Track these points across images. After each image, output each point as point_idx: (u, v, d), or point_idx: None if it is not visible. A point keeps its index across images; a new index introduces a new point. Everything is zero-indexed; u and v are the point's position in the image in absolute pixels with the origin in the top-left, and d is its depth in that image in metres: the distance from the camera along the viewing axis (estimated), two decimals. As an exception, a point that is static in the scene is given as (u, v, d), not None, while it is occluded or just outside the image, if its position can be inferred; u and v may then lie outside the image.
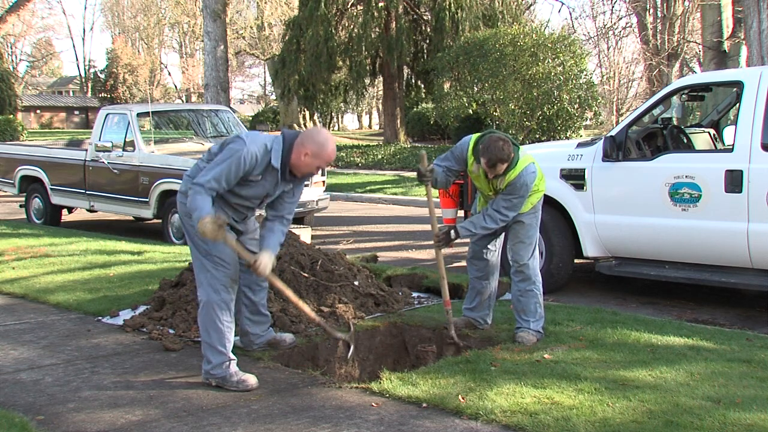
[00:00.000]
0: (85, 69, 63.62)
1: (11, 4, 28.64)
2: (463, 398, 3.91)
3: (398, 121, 27.01)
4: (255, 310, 4.76)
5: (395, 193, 15.79)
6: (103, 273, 7.20)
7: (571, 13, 63.89)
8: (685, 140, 7.33)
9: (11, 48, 55.83)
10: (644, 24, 23.32)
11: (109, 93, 53.13)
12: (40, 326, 5.56)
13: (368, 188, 16.83)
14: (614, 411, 3.73)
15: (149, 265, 7.57)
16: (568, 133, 17.20)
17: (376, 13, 24.21)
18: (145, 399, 4.07)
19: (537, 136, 17.08)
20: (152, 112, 10.73)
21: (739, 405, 3.77)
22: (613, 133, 6.70)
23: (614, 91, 27.71)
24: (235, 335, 4.47)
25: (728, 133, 7.55)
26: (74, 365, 4.65)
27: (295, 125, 37.28)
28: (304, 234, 7.88)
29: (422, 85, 28.19)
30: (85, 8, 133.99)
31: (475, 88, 18.60)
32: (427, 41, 26.30)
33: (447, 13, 23.77)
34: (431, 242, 5.18)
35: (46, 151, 11.86)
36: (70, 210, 12.12)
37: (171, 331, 5.21)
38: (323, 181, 10.83)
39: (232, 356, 4.30)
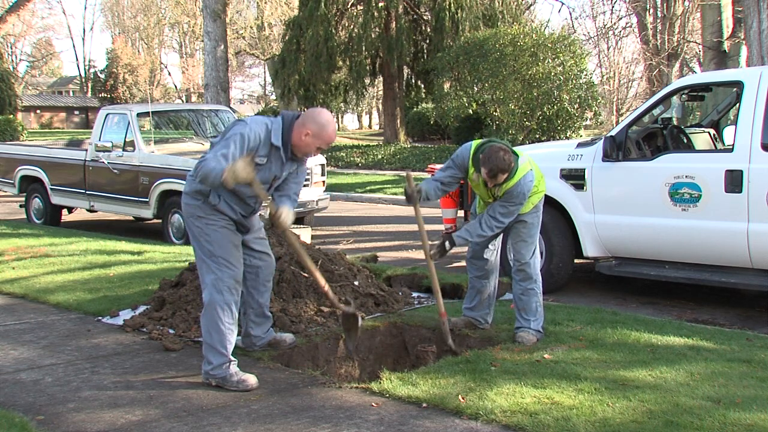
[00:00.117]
0: (85, 69, 63.69)
1: (11, 4, 28.64)
2: (463, 398, 3.91)
3: (398, 121, 27.02)
4: (260, 312, 4.75)
5: (395, 193, 15.79)
6: (103, 273, 7.20)
7: (571, 13, 63.96)
8: (685, 140, 7.33)
9: (11, 48, 55.84)
10: (644, 24, 23.33)
11: (109, 93, 53.13)
12: (40, 326, 5.56)
13: (368, 188, 16.83)
14: (614, 411, 3.73)
15: (149, 265, 7.57)
16: (568, 133, 17.21)
17: (376, 13, 24.21)
18: (145, 399, 4.06)
19: (537, 136, 17.08)
20: (152, 112, 10.73)
21: (739, 405, 3.77)
22: (613, 133, 6.70)
23: (614, 91, 27.72)
24: (237, 335, 4.47)
25: (728, 133, 7.55)
26: (74, 365, 4.65)
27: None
28: (304, 234, 7.88)
29: (422, 85, 28.20)
30: (85, 8, 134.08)
31: (475, 88, 18.60)
32: (427, 41, 26.31)
33: (447, 13, 23.77)
34: (431, 244, 5.16)
35: (46, 151, 11.86)
36: (70, 210, 12.12)
37: (171, 331, 5.21)
38: (323, 181, 10.83)
39: (233, 358, 4.30)
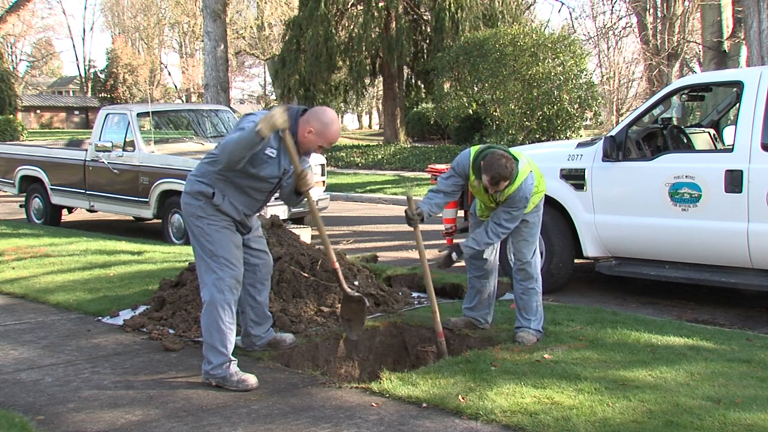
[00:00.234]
0: (85, 69, 63.69)
1: (11, 4, 28.64)
2: (463, 398, 3.91)
3: (398, 121, 27.02)
4: (260, 311, 4.74)
5: (395, 193, 15.79)
6: (103, 273, 7.20)
7: (571, 13, 63.96)
8: (685, 140, 7.33)
9: (11, 48, 55.85)
10: (644, 24, 23.33)
11: (109, 93, 53.13)
12: (40, 326, 5.56)
13: (368, 188, 16.83)
14: (614, 411, 3.73)
15: (149, 265, 7.57)
16: (568, 133, 17.21)
17: (376, 13, 24.21)
18: (145, 399, 4.06)
19: (537, 136, 17.08)
20: (152, 112, 10.73)
21: (739, 405, 3.77)
22: (613, 133, 6.70)
23: (614, 91, 27.72)
24: (237, 335, 4.47)
25: (728, 133, 7.55)
26: (74, 365, 4.65)
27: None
28: (304, 234, 7.88)
29: (422, 85, 28.20)
30: (85, 8, 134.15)
31: (475, 88, 18.60)
32: (427, 41, 26.31)
33: (447, 13, 23.77)
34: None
35: (46, 151, 11.87)
36: (70, 210, 12.12)
37: (171, 331, 5.21)
38: (323, 181, 10.84)
39: (233, 357, 4.30)
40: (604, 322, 5.37)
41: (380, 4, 24.33)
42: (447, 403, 3.87)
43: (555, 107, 17.12)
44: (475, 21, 23.99)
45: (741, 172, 5.91)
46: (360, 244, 10.04)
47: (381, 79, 28.59)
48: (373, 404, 3.93)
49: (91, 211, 11.38)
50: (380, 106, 40.84)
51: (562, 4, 69.31)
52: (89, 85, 61.00)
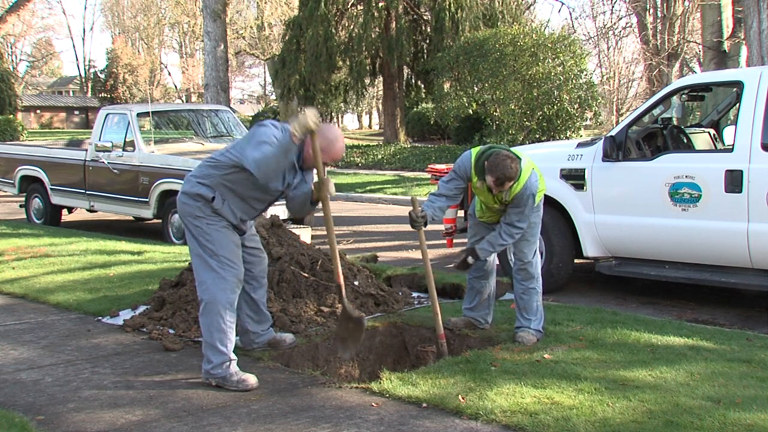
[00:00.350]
0: (85, 69, 63.70)
1: (11, 4, 28.64)
2: (463, 398, 3.91)
3: (398, 121, 27.02)
4: (256, 308, 4.76)
5: (395, 193, 15.79)
6: (103, 273, 7.20)
7: (571, 13, 63.97)
8: (685, 140, 7.33)
9: (11, 48, 55.86)
10: (644, 24, 23.33)
11: (109, 93, 53.14)
12: (40, 326, 5.56)
13: (368, 188, 16.83)
14: (614, 411, 3.73)
15: (149, 265, 7.57)
16: (568, 133, 17.19)
17: (376, 13, 24.22)
18: (145, 399, 4.07)
19: (537, 136, 17.07)
20: (152, 112, 10.73)
21: (739, 405, 3.77)
22: (613, 133, 6.70)
23: (614, 91, 27.72)
24: (236, 334, 4.47)
25: (728, 133, 7.55)
26: (74, 365, 4.65)
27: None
28: (304, 234, 7.88)
29: (422, 85, 28.20)
30: (85, 8, 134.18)
31: (475, 88, 18.59)
32: (427, 41, 26.31)
33: (447, 13, 23.78)
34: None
35: (46, 151, 11.87)
36: (70, 210, 12.12)
37: (171, 331, 5.21)
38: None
39: (233, 356, 4.30)
40: (604, 322, 5.37)
41: (380, 4, 24.33)
42: (447, 403, 3.87)
43: (555, 107, 17.11)
44: (475, 21, 23.99)
45: (741, 172, 5.91)
46: (360, 244, 10.04)
47: (381, 79, 28.59)
48: (373, 404, 3.93)
49: (91, 211, 11.37)
50: (380, 106, 40.85)
51: (562, 4, 69.37)
52: (89, 85, 61.02)
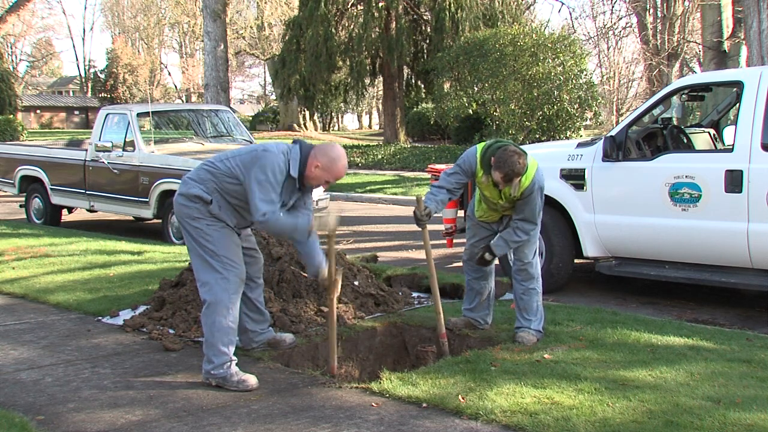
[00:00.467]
0: (85, 69, 63.71)
1: (11, 4, 28.65)
2: (463, 398, 3.91)
3: (398, 121, 27.03)
4: (252, 307, 4.76)
5: (395, 193, 15.79)
6: (103, 273, 7.20)
7: (571, 13, 64.03)
8: (685, 140, 7.33)
9: (11, 48, 55.88)
10: (644, 24, 23.34)
11: (109, 93, 53.13)
12: (40, 326, 5.56)
13: (368, 188, 16.82)
14: (614, 411, 3.73)
15: (149, 265, 7.57)
16: (568, 133, 17.20)
17: (376, 13, 24.23)
18: (145, 399, 4.07)
19: (537, 136, 17.08)
20: (152, 112, 10.73)
21: (739, 405, 3.77)
22: (613, 133, 6.70)
23: (614, 91, 27.72)
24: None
25: (728, 133, 7.55)
26: (74, 365, 4.65)
27: (294, 125, 37.29)
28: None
29: (422, 85, 28.22)
30: (85, 8, 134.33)
31: (475, 88, 18.60)
32: (427, 41, 26.32)
33: (447, 13, 23.79)
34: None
35: (46, 151, 11.86)
36: (70, 210, 12.12)
37: (171, 331, 5.21)
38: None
39: (234, 357, 4.30)
40: (604, 322, 5.37)
41: (380, 4, 24.34)
42: (447, 403, 3.87)
43: (555, 107, 17.11)
44: (475, 21, 24.00)
45: (741, 172, 5.91)
46: (360, 244, 10.03)
47: (381, 79, 28.60)
48: (373, 404, 3.93)
49: (91, 211, 11.37)
50: (380, 106, 40.87)
51: (562, 4, 69.44)
52: (89, 85, 61.01)
